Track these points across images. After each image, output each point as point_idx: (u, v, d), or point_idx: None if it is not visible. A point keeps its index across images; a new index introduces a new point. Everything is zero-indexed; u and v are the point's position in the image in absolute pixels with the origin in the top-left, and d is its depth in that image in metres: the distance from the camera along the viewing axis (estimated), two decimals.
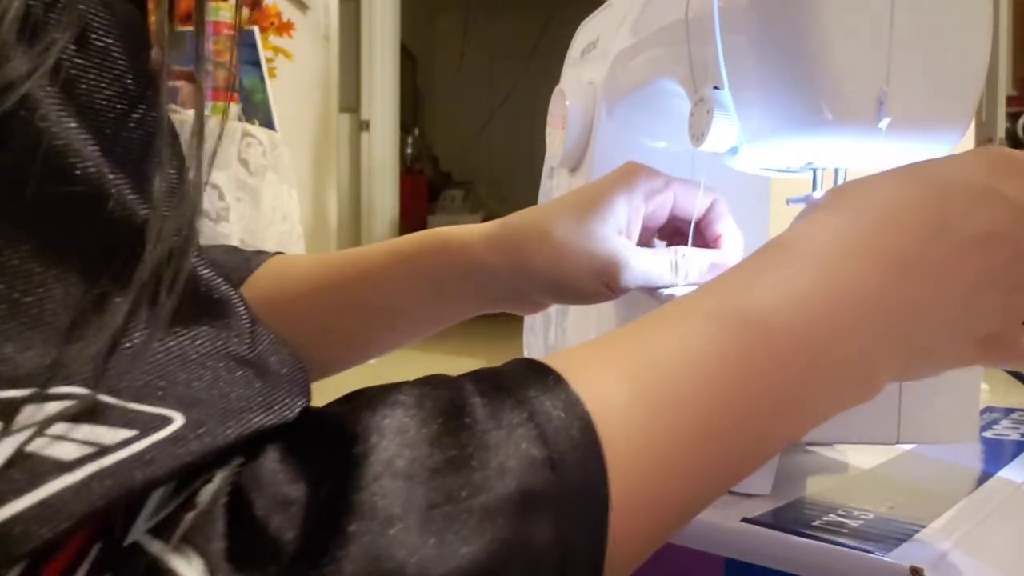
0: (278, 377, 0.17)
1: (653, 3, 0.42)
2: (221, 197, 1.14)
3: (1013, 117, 2.72)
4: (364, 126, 2.59)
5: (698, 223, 0.36)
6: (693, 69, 0.36)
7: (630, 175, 0.34)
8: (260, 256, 0.38)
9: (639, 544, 0.19)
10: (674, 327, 0.20)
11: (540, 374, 0.18)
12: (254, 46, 1.41)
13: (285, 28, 1.66)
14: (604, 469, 0.17)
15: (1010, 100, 2.69)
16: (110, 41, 0.16)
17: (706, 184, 0.37)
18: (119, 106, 0.16)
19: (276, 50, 1.64)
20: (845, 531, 0.25)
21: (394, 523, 0.14)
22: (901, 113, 0.31)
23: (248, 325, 0.17)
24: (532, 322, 0.54)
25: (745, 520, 0.26)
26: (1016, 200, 0.22)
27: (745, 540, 0.25)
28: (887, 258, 0.21)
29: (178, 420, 0.14)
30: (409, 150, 3.42)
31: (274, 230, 1.29)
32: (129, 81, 0.17)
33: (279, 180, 1.30)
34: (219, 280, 0.17)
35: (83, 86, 0.16)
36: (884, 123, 0.31)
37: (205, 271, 0.17)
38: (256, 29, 1.44)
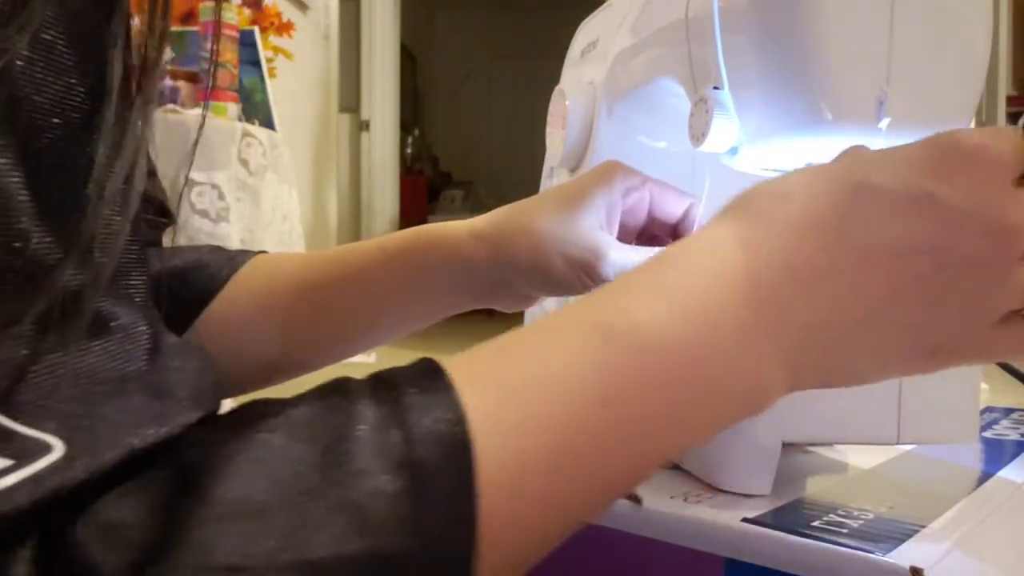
0: (174, 398, 0.17)
1: (653, 3, 0.42)
2: (221, 197, 1.14)
3: (1013, 117, 2.72)
4: (364, 126, 2.59)
5: (675, 227, 0.37)
6: (693, 69, 0.36)
7: (608, 172, 0.35)
8: (245, 255, 0.38)
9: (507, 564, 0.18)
10: (551, 340, 0.19)
11: (434, 381, 0.18)
12: (254, 46, 1.41)
13: (285, 28, 1.66)
14: (473, 491, 0.16)
15: (1010, 100, 2.69)
16: (56, 35, 0.16)
17: (683, 188, 0.38)
18: (61, 110, 0.16)
19: (276, 50, 1.64)
20: (845, 531, 0.25)
21: (233, 572, 0.14)
22: (901, 113, 0.31)
23: (147, 343, 0.17)
24: (532, 320, 0.54)
25: (745, 520, 0.26)
26: (952, 204, 0.20)
27: (745, 540, 0.25)
28: (779, 272, 0.20)
29: (58, 449, 0.14)
30: (409, 150, 3.42)
31: (274, 230, 1.29)
32: (74, 80, 0.16)
33: (279, 180, 1.30)
34: (122, 308, 0.17)
35: (25, 85, 0.15)
36: (884, 123, 0.31)
37: (106, 304, 0.16)
38: (256, 29, 1.44)
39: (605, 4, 0.51)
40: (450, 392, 0.17)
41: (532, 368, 0.19)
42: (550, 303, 0.51)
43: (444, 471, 0.16)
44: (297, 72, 1.87)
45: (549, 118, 0.51)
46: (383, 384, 0.18)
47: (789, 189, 0.22)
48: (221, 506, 0.15)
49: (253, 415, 0.17)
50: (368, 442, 0.16)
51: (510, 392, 0.18)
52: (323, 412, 0.17)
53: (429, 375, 0.18)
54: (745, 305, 0.20)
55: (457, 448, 0.16)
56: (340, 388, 0.18)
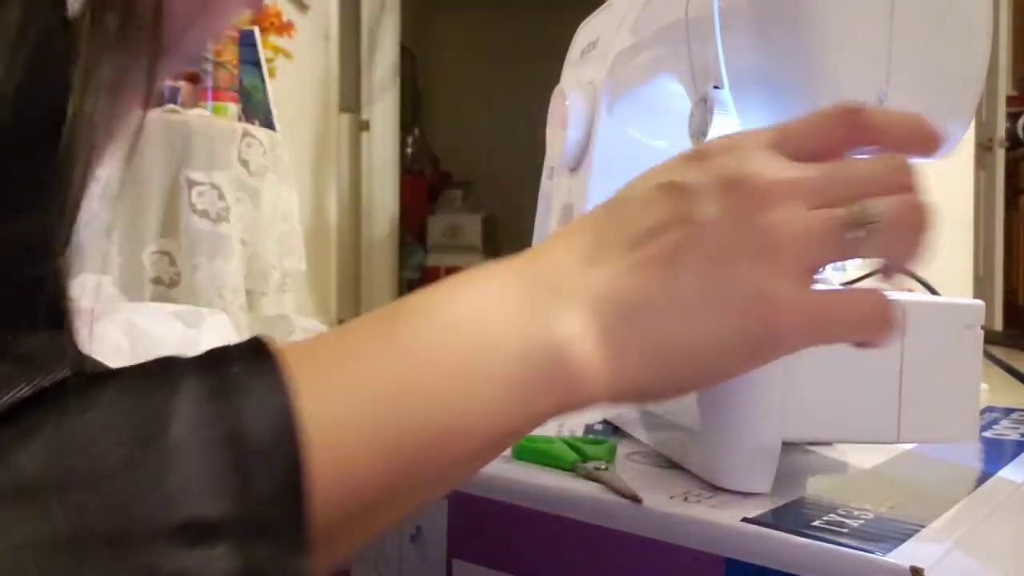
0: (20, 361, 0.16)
1: (653, 3, 0.42)
2: (221, 197, 1.14)
3: (1013, 117, 2.72)
4: (364, 126, 2.59)
5: None
6: (693, 68, 0.36)
7: None
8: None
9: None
10: (373, 332, 0.20)
11: (264, 362, 0.17)
12: (254, 46, 1.41)
13: (285, 28, 1.66)
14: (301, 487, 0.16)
15: (1010, 100, 2.69)
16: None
17: None
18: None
19: (276, 50, 1.64)
20: (845, 531, 0.25)
21: (5, 555, 0.13)
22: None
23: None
24: None
25: (745, 520, 0.26)
26: (690, 181, 0.22)
27: (745, 540, 0.25)
28: (543, 290, 0.21)
29: None
30: (409, 150, 3.42)
31: (274, 230, 1.29)
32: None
33: (279, 180, 1.30)
34: None
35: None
36: None
37: None
38: (256, 29, 1.44)
39: (605, 4, 0.51)
40: (280, 373, 0.17)
41: (357, 360, 0.19)
42: None
43: (271, 449, 0.16)
44: (297, 72, 1.87)
45: (549, 118, 0.51)
46: (211, 361, 0.18)
47: (570, 223, 0.24)
48: (8, 485, 0.14)
49: (74, 388, 0.16)
50: (191, 416, 0.16)
51: (336, 376, 0.19)
52: (146, 387, 0.17)
53: (259, 354, 0.18)
54: (541, 297, 0.21)
55: (285, 427, 0.17)
56: (167, 364, 0.18)
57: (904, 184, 0.21)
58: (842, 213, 0.21)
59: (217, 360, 0.18)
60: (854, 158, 0.22)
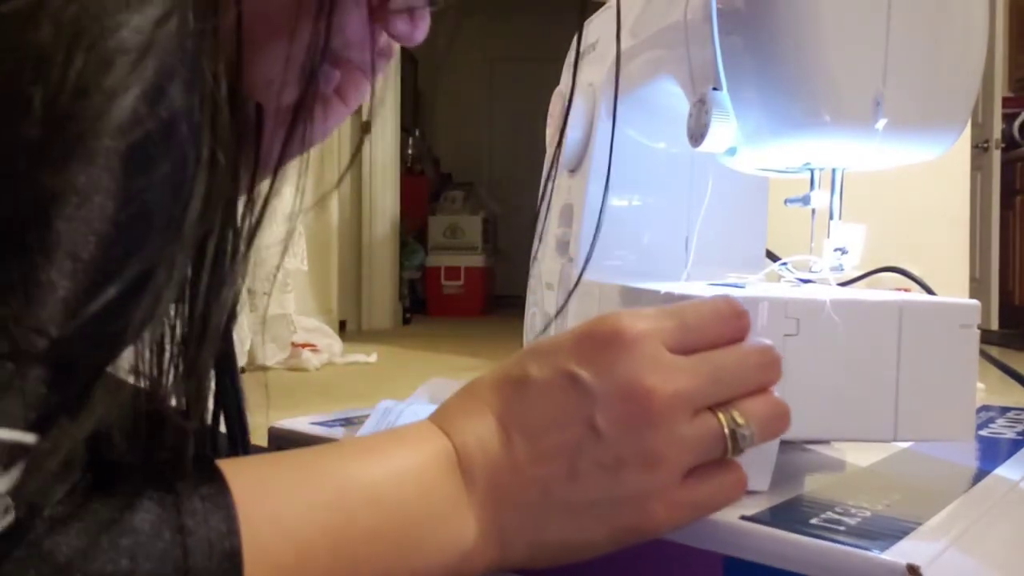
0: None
1: (652, 5, 0.42)
2: None
3: (1009, 119, 2.72)
4: (365, 127, 2.59)
5: None
6: (692, 70, 0.37)
7: None
8: None
9: None
10: (310, 479, 0.22)
11: (215, 489, 0.19)
12: None
13: None
14: None
15: (1006, 101, 2.69)
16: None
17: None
18: None
19: None
20: (842, 529, 0.25)
21: None
22: (897, 114, 0.31)
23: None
24: (532, 322, 0.54)
25: (743, 518, 0.26)
26: (589, 381, 0.24)
27: (743, 537, 0.26)
28: (478, 456, 0.24)
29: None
30: (410, 151, 3.42)
31: (275, 230, 1.28)
32: None
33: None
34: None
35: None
36: (881, 124, 0.31)
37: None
38: None
39: (604, 6, 0.51)
40: (228, 501, 0.20)
41: (294, 499, 0.22)
42: (549, 303, 0.51)
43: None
44: None
45: (549, 119, 0.51)
46: (166, 482, 0.19)
47: (474, 389, 0.26)
48: None
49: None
50: (143, 542, 0.18)
51: (278, 512, 0.21)
52: (102, 506, 0.18)
53: (211, 482, 0.20)
54: (453, 481, 0.24)
55: (229, 559, 0.19)
56: (126, 476, 0.19)
57: (771, 380, 0.26)
58: (717, 429, 0.24)
59: (171, 484, 0.19)
60: (728, 352, 0.25)
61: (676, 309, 0.26)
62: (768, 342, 0.26)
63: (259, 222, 0.24)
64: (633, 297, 0.37)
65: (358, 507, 0.22)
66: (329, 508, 0.22)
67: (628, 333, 0.24)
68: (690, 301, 0.26)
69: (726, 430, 0.24)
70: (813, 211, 0.36)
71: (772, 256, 0.46)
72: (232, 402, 0.29)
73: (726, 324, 0.26)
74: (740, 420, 0.24)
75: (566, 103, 0.46)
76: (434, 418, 0.25)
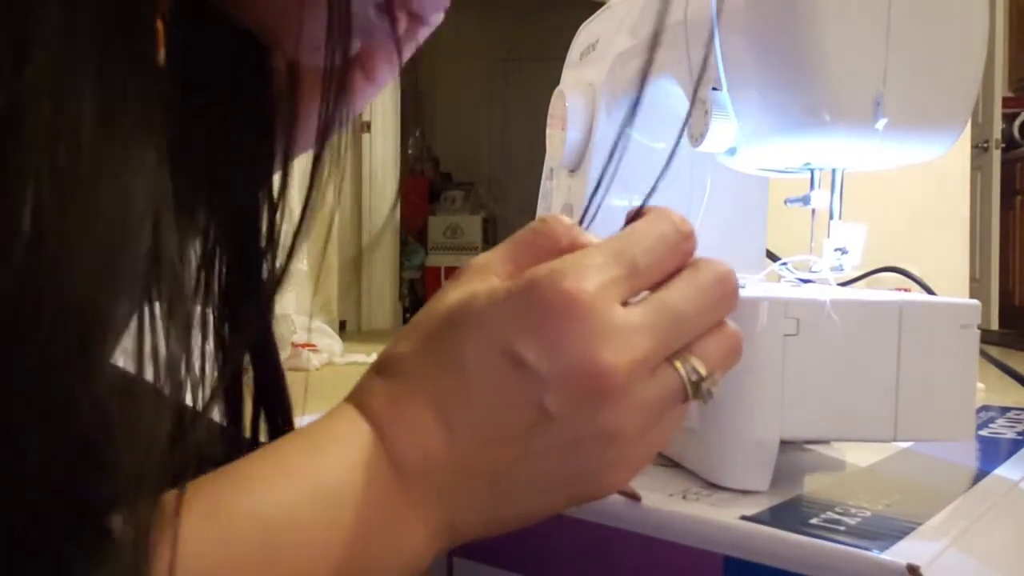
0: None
1: (652, 5, 0.42)
2: None
3: (1009, 118, 2.72)
4: (365, 127, 2.59)
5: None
6: (692, 70, 0.37)
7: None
8: None
9: None
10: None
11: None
12: None
13: None
14: None
15: (1006, 101, 2.69)
16: None
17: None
18: None
19: None
20: (842, 529, 0.25)
21: None
22: (898, 114, 0.31)
23: None
24: None
25: (743, 518, 0.26)
26: (538, 366, 0.21)
27: (743, 538, 0.26)
28: (413, 451, 0.21)
29: None
30: (410, 151, 3.42)
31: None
32: None
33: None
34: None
35: None
36: (881, 124, 0.31)
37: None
38: None
39: (604, 6, 0.51)
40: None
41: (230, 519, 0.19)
42: None
43: None
44: None
45: (549, 119, 0.51)
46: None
47: (401, 369, 0.22)
48: None
49: None
50: None
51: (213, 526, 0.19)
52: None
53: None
54: (391, 491, 0.21)
55: None
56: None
57: (728, 312, 0.23)
58: (677, 385, 0.22)
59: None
60: (685, 292, 0.22)
61: (622, 247, 0.22)
62: (726, 267, 0.23)
63: (306, 212, 0.22)
64: None
65: (283, 542, 0.19)
66: (249, 544, 0.19)
67: (577, 299, 0.21)
68: (633, 228, 0.23)
69: (687, 383, 0.22)
70: (813, 211, 0.36)
71: (772, 256, 0.46)
72: (276, 405, 0.27)
73: (676, 251, 0.23)
74: (701, 369, 0.22)
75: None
76: (358, 406, 0.22)
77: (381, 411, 0.22)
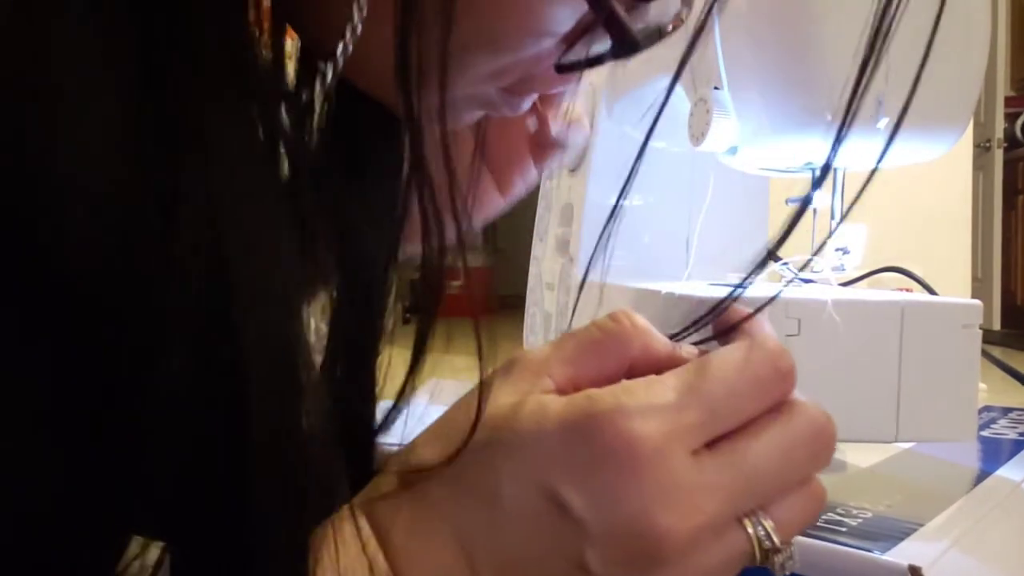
0: None
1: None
2: None
3: (1011, 118, 2.72)
4: None
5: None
6: (693, 69, 0.37)
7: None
8: None
9: None
10: None
11: None
12: None
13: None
14: None
15: (1008, 101, 2.69)
16: None
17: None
18: None
19: None
20: (844, 530, 0.25)
21: None
22: (899, 113, 0.31)
23: None
24: (532, 322, 0.54)
25: None
26: (582, 516, 0.18)
27: None
28: None
29: None
30: None
31: None
32: None
33: None
34: None
35: None
36: (882, 123, 0.31)
37: None
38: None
39: None
40: None
41: None
42: (549, 303, 0.51)
43: None
44: None
45: None
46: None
47: (428, 495, 0.19)
48: None
49: None
50: None
51: None
52: None
53: None
54: None
55: None
56: None
57: (819, 468, 0.20)
58: (744, 549, 0.19)
59: None
60: (770, 445, 0.19)
61: (702, 384, 0.19)
62: (824, 416, 0.20)
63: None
64: (633, 297, 0.37)
65: None
66: None
67: (640, 447, 0.18)
68: (721, 359, 0.19)
69: (756, 550, 0.19)
70: (814, 211, 0.36)
71: (773, 256, 0.45)
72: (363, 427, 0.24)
73: (766, 393, 0.19)
74: (776, 537, 0.19)
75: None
76: (376, 530, 0.19)
77: (400, 546, 0.19)
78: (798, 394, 0.21)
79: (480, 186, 0.26)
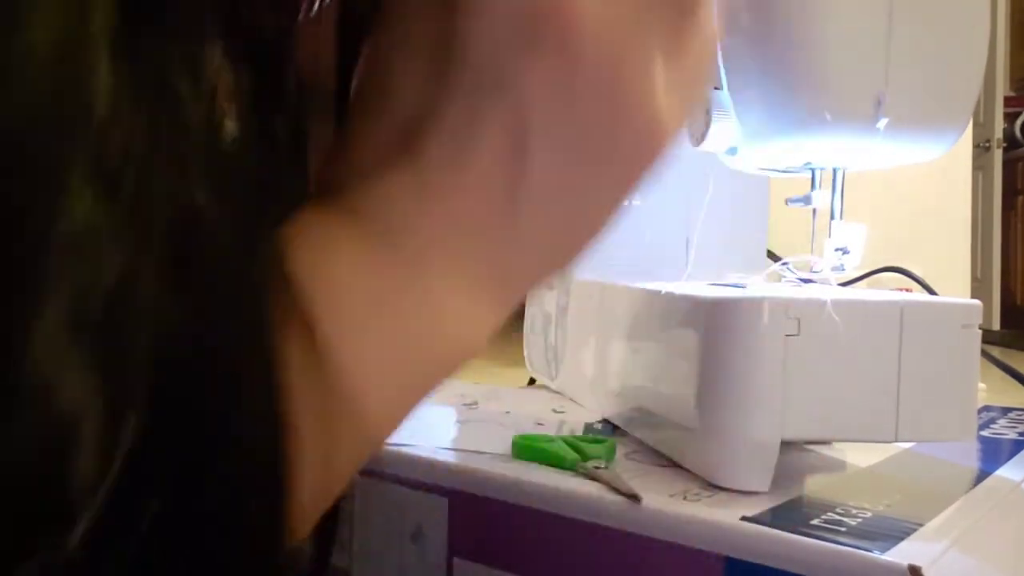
0: None
1: None
2: None
3: (1011, 117, 2.72)
4: None
5: None
6: None
7: None
8: None
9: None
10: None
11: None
12: None
13: None
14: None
15: (1008, 100, 2.69)
16: None
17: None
18: None
19: None
20: (843, 530, 0.25)
21: None
22: (899, 113, 0.31)
23: None
24: (532, 322, 0.54)
25: (744, 519, 0.26)
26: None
27: (744, 538, 0.26)
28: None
29: None
30: None
31: None
32: None
33: None
34: None
35: None
36: (882, 123, 0.31)
37: None
38: None
39: None
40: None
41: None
42: (549, 303, 0.51)
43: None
44: None
45: None
46: None
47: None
48: None
49: None
50: None
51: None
52: None
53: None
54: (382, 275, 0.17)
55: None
56: None
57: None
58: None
59: None
60: None
61: None
62: None
63: None
64: (633, 297, 0.37)
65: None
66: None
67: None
68: None
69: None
70: (814, 211, 0.36)
71: (773, 256, 0.46)
72: None
73: None
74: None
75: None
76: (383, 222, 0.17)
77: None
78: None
79: None
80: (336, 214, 0.17)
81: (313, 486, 0.16)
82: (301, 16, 0.20)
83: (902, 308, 0.30)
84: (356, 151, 0.18)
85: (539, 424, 0.40)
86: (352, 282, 0.17)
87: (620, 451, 0.34)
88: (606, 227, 0.18)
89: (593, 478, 0.30)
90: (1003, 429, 0.42)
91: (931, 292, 0.48)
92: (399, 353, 0.17)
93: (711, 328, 0.30)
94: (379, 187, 0.17)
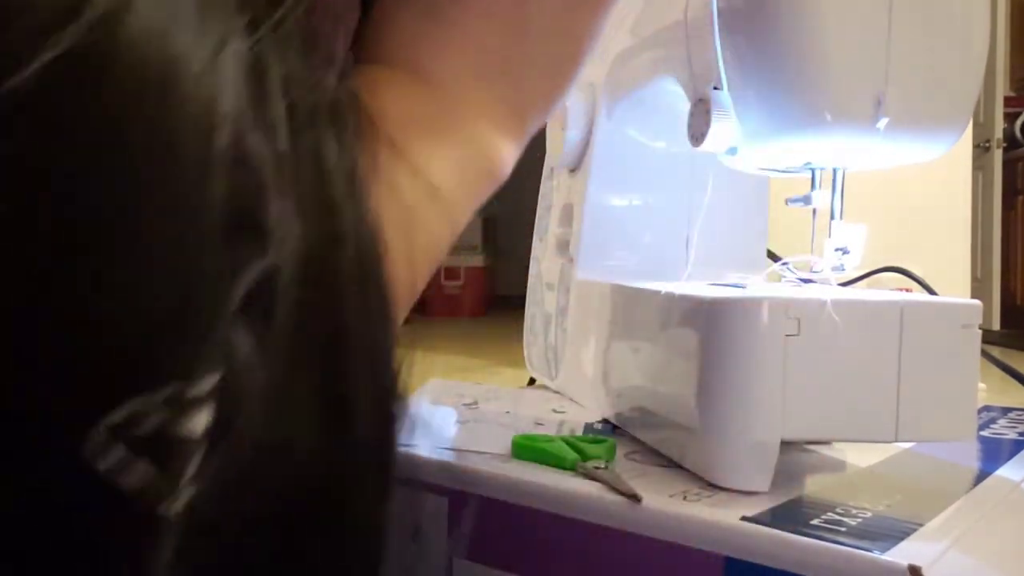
0: None
1: (652, 4, 0.42)
2: None
3: (1011, 117, 2.72)
4: None
5: None
6: (692, 70, 0.37)
7: None
8: None
9: None
10: None
11: None
12: None
13: None
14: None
15: (1008, 101, 2.69)
16: None
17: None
18: None
19: None
20: (843, 530, 0.25)
21: None
22: (899, 113, 0.31)
23: None
24: (532, 322, 0.54)
25: (744, 519, 0.26)
26: None
27: (744, 538, 0.26)
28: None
29: None
30: None
31: None
32: None
33: None
34: None
35: None
36: (882, 123, 0.31)
37: None
38: None
39: None
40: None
41: None
42: (550, 303, 0.51)
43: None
44: None
45: (550, 119, 0.51)
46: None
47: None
48: None
49: None
50: None
51: None
52: None
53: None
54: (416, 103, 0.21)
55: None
56: None
57: None
58: None
59: None
60: None
61: None
62: None
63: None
64: (633, 297, 0.37)
65: None
66: None
67: None
68: None
69: None
70: (814, 211, 0.36)
71: (773, 256, 0.45)
72: None
73: None
74: None
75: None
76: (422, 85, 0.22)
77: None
78: None
79: None
80: (375, 68, 0.21)
81: (401, 281, 0.19)
82: None
83: (902, 308, 0.30)
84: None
85: (539, 424, 0.40)
86: (404, 109, 0.20)
87: (620, 451, 0.34)
88: (592, 48, 0.23)
89: (593, 478, 0.30)
90: (1003, 429, 0.42)
91: (931, 292, 0.48)
92: (454, 163, 0.21)
93: (711, 328, 0.30)
94: (403, 34, 0.21)
